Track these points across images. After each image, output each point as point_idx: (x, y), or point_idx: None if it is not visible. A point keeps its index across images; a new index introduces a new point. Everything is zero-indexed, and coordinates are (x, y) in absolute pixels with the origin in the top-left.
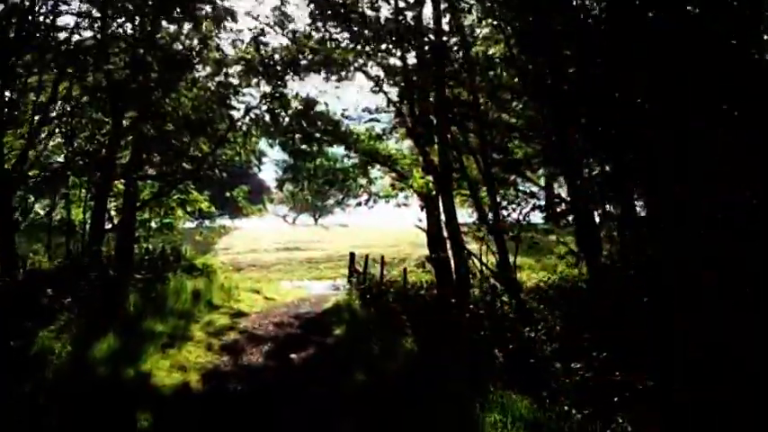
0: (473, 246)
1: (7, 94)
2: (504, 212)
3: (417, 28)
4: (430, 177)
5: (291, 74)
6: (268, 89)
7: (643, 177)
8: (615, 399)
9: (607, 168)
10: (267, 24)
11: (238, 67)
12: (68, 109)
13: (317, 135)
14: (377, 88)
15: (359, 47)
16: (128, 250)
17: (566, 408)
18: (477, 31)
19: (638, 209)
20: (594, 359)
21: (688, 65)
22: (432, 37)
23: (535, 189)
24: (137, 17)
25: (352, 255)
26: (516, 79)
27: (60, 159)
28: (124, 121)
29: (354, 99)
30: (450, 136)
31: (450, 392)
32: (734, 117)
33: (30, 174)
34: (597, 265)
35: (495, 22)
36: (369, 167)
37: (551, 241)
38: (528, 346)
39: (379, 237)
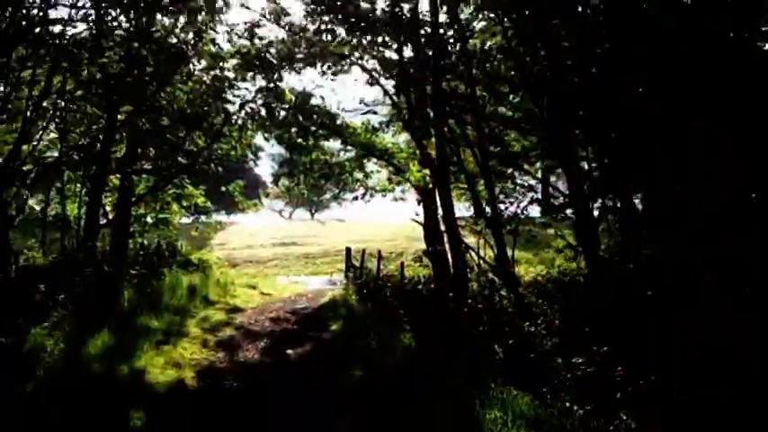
0: (471, 239)
1: (0, 88)
2: (502, 206)
3: (414, 20)
4: (427, 171)
5: (287, 67)
6: (264, 83)
7: (643, 177)
8: (618, 395)
9: (606, 161)
10: (263, 15)
11: (234, 61)
12: (62, 103)
13: (313, 129)
14: (373, 81)
15: (355, 40)
16: (123, 245)
17: (567, 404)
18: (474, 23)
19: (637, 203)
20: (596, 354)
21: (688, 63)
22: (428, 30)
23: (533, 182)
24: (131, 10)
25: (348, 249)
26: (513, 72)
27: (55, 154)
28: (119, 116)
29: (351, 92)
30: (448, 129)
31: (448, 388)
32: (734, 117)
33: (24, 169)
34: (596, 258)
35: (492, 15)
36: (365, 161)
37: (549, 235)
38: (528, 340)
39: (376, 231)
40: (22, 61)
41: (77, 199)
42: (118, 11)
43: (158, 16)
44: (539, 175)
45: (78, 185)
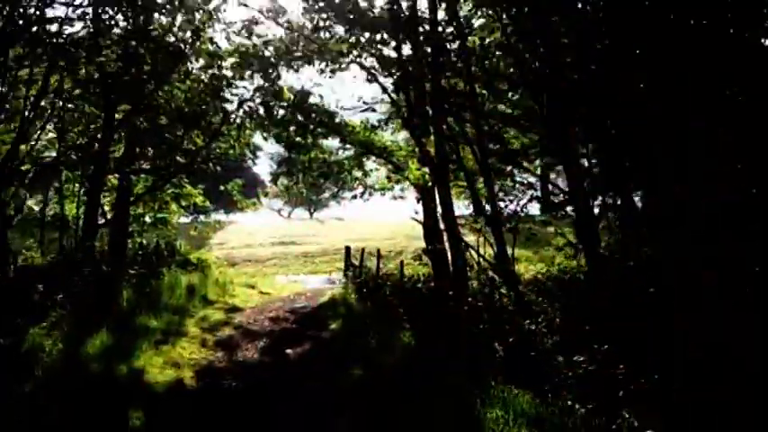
0: (470, 238)
1: None
2: (502, 204)
3: (412, 18)
4: (426, 169)
5: (285, 66)
6: (262, 82)
7: (643, 176)
8: (620, 393)
9: (606, 159)
10: (260, 12)
11: (232, 60)
12: (60, 103)
13: (312, 127)
14: (372, 79)
15: (353, 38)
16: (121, 245)
17: (569, 402)
18: (473, 20)
19: (636, 200)
20: (597, 352)
21: (688, 62)
22: (427, 27)
23: (533, 180)
24: (129, 9)
25: (347, 248)
26: (512, 69)
27: (53, 154)
28: (117, 115)
29: (349, 90)
30: (447, 126)
31: (448, 387)
32: (734, 117)
33: (22, 168)
34: (596, 256)
35: (490, 12)
36: (364, 159)
37: (549, 233)
38: (528, 338)
39: (375, 230)
40: (19, 60)
41: (76, 199)
42: (115, 9)
43: (156, 15)
44: (538, 172)
45: (77, 185)
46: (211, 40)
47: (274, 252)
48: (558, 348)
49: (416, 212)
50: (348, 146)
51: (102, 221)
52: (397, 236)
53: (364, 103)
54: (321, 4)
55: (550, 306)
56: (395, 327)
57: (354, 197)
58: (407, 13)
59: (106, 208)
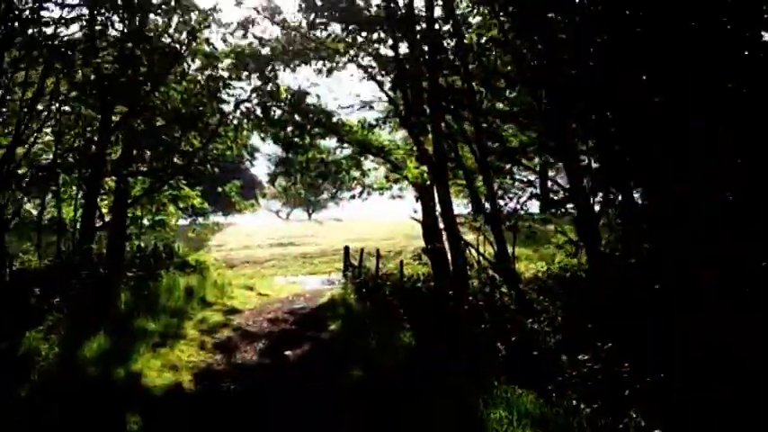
0: (470, 236)
1: None
2: (501, 202)
3: (409, 16)
4: (424, 168)
5: (282, 66)
6: (259, 82)
7: (643, 176)
8: (626, 392)
9: (605, 156)
10: (257, 10)
11: (228, 60)
12: (56, 105)
13: (309, 127)
14: (369, 78)
15: (350, 37)
16: (119, 248)
17: (573, 402)
18: (470, 18)
19: (637, 197)
20: (600, 350)
21: (687, 61)
22: (424, 25)
23: (532, 177)
24: (124, 11)
25: (346, 249)
26: (510, 67)
27: (50, 157)
28: (114, 117)
29: (347, 88)
30: (445, 124)
31: (450, 388)
32: (734, 117)
33: (19, 172)
34: (597, 253)
35: (487, 10)
36: (362, 159)
37: (549, 231)
38: (530, 338)
39: (374, 230)
40: (15, 63)
41: (73, 202)
42: (111, 11)
43: (151, 16)
44: (538, 169)
45: (74, 188)
46: (207, 40)
47: (273, 253)
48: (561, 347)
49: (415, 211)
50: (346, 145)
51: (99, 224)
52: (396, 235)
53: (362, 101)
54: (318, 3)
55: (552, 304)
56: (395, 327)
57: (353, 197)
58: (404, 11)
59: (104, 210)
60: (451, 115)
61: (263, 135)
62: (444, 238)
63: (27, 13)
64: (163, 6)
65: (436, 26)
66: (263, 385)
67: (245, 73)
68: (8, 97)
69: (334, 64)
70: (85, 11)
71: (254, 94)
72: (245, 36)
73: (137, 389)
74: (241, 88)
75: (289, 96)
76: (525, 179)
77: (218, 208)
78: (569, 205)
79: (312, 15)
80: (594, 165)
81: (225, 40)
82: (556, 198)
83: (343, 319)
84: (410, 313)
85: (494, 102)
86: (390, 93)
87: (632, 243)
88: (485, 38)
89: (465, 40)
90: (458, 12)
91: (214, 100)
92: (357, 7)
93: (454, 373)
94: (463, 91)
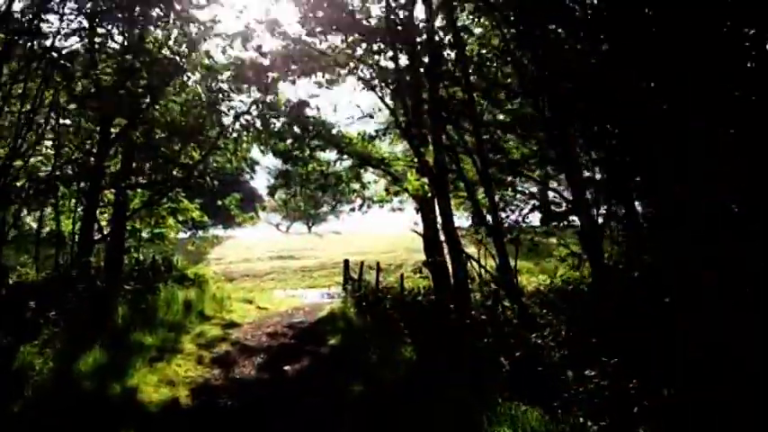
0: (471, 249)
1: None
2: (503, 214)
3: (408, 27)
4: (425, 179)
5: (282, 78)
6: (258, 95)
7: (643, 177)
8: (635, 409)
9: (607, 163)
10: (257, 21)
11: (228, 73)
12: (55, 117)
13: (309, 138)
14: (369, 89)
15: (349, 49)
16: (117, 261)
17: (580, 419)
18: (472, 27)
19: (640, 209)
20: (607, 365)
21: (688, 63)
22: (424, 36)
23: (534, 189)
24: (124, 23)
25: (346, 262)
26: (510, 80)
27: (48, 169)
28: (113, 129)
29: (346, 99)
30: (446, 136)
31: (452, 405)
32: (734, 117)
33: (17, 184)
34: (601, 266)
35: (489, 20)
36: (362, 171)
37: (550, 244)
38: (535, 352)
39: (374, 243)
40: (14, 76)
41: (72, 214)
42: (110, 24)
43: (151, 28)
44: (540, 181)
45: (73, 201)
46: (207, 53)
47: (272, 266)
48: (566, 362)
49: (416, 224)
50: (345, 157)
51: (98, 237)
52: (396, 248)
53: (362, 112)
54: (319, 14)
55: (556, 318)
56: (395, 341)
57: (353, 210)
58: (404, 22)
59: (103, 223)
60: (452, 126)
61: (262, 148)
62: (445, 250)
63: (26, 24)
64: (163, 19)
65: (437, 37)
66: (261, 401)
67: (245, 85)
68: (6, 109)
69: (335, 76)
70: (85, 23)
71: (253, 107)
72: (245, 48)
73: (132, 404)
74: (241, 101)
75: (288, 108)
76: (527, 191)
77: (217, 221)
78: (572, 217)
79: (312, 25)
80: (598, 176)
81: (225, 52)
82: (559, 210)
83: (342, 334)
84: (411, 327)
85: (495, 113)
86: (390, 104)
87: (635, 255)
88: (486, 48)
89: (466, 51)
90: (458, 23)
91: (214, 112)
92: (357, 18)
93: (457, 388)
94: (464, 102)
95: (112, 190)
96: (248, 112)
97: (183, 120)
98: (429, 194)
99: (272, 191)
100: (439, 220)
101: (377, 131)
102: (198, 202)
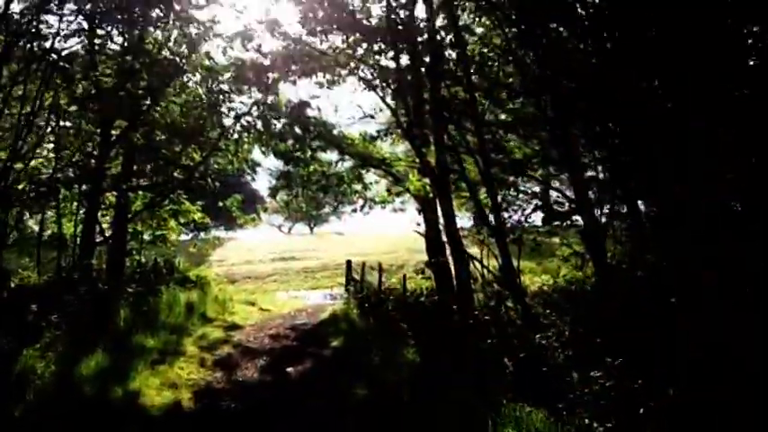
0: (474, 249)
1: None
2: (506, 214)
3: (409, 26)
4: (427, 180)
5: (282, 79)
6: (259, 95)
7: (644, 177)
8: (641, 410)
9: (610, 165)
10: (257, 21)
11: (228, 73)
12: (55, 119)
13: (310, 139)
14: (370, 89)
15: (350, 49)
16: (119, 263)
17: (585, 421)
18: (473, 26)
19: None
20: (612, 366)
21: (688, 62)
22: (425, 35)
23: (537, 189)
24: (124, 24)
25: (348, 263)
26: (511, 79)
27: (49, 171)
28: (113, 131)
29: (348, 99)
30: (447, 136)
31: (457, 406)
32: (734, 117)
33: (18, 187)
34: (604, 265)
35: (490, 20)
36: (363, 172)
37: (553, 244)
38: (539, 353)
39: (376, 243)
40: (13, 78)
41: (74, 217)
42: (110, 25)
43: (151, 29)
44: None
45: (74, 203)
46: (207, 54)
47: (274, 268)
48: (571, 363)
49: (418, 224)
50: (347, 158)
51: (99, 239)
52: (398, 249)
53: (363, 113)
54: (319, 14)
55: (559, 319)
56: (398, 343)
57: (354, 211)
58: (405, 21)
59: (104, 226)
60: (454, 126)
61: (263, 149)
62: (448, 251)
63: (25, 25)
64: (162, 19)
65: (438, 36)
66: (264, 403)
67: (246, 86)
68: (6, 111)
69: (335, 77)
70: (85, 24)
71: (254, 107)
72: (245, 48)
73: (134, 408)
74: (241, 102)
75: (289, 109)
76: (530, 191)
77: (219, 223)
78: (575, 217)
79: (313, 25)
80: (600, 176)
81: (225, 53)
82: (561, 210)
83: (345, 335)
84: (414, 328)
85: (497, 113)
86: (392, 104)
87: (639, 255)
88: (487, 48)
89: (467, 51)
90: (460, 22)
91: (214, 113)
92: (357, 18)
93: (461, 390)
94: (466, 102)
95: (114, 192)
96: (249, 113)
97: (184, 121)
98: (431, 195)
99: (273, 192)
100: (441, 220)
101: (378, 132)
102: (199, 203)
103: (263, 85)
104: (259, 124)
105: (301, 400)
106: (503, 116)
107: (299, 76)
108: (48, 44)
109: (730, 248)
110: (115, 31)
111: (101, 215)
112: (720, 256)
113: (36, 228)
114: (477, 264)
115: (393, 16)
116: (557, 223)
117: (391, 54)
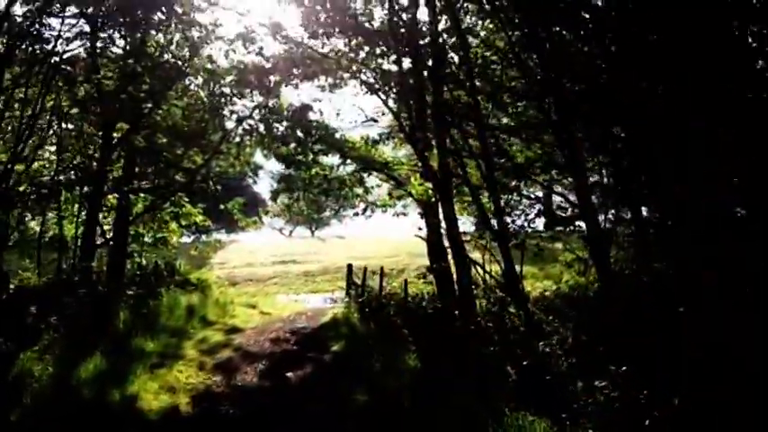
0: (476, 254)
1: None
2: (508, 219)
3: (412, 29)
4: (429, 184)
5: (285, 82)
6: (261, 99)
7: (645, 178)
8: (646, 422)
9: (614, 169)
10: (259, 24)
11: (230, 77)
12: (57, 122)
13: (311, 143)
14: (372, 93)
15: (352, 53)
16: (120, 266)
17: (589, 431)
18: (477, 29)
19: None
20: (616, 375)
21: (688, 63)
22: (428, 39)
23: (539, 194)
24: (126, 27)
25: (349, 267)
26: (514, 82)
27: (51, 174)
28: (115, 134)
29: (350, 102)
30: (450, 140)
31: (459, 415)
32: (734, 117)
33: (19, 189)
34: (607, 271)
35: (494, 23)
36: (365, 175)
37: (555, 249)
38: (542, 361)
39: (377, 247)
40: (15, 80)
41: (75, 219)
42: (112, 29)
43: (153, 32)
44: (546, 185)
45: (76, 205)
46: (210, 57)
47: (275, 271)
48: (574, 371)
49: (420, 229)
50: (348, 162)
51: (100, 241)
52: (399, 253)
53: (365, 116)
54: (321, 17)
55: (562, 325)
56: (399, 348)
57: (356, 214)
58: (407, 24)
59: (105, 228)
60: (457, 130)
61: (265, 152)
62: (449, 256)
63: (27, 28)
64: (164, 23)
65: (440, 40)
66: (263, 408)
67: (248, 89)
68: (8, 114)
69: (337, 80)
70: (87, 27)
71: (256, 111)
72: (247, 51)
73: (132, 412)
74: (243, 105)
75: (291, 112)
76: (533, 195)
77: (220, 225)
78: (578, 222)
79: (315, 28)
80: (604, 181)
81: (227, 56)
82: (564, 215)
83: (346, 340)
84: (415, 334)
85: (500, 116)
86: (394, 107)
87: (642, 260)
88: (490, 51)
89: (470, 54)
90: (462, 25)
91: (216, 116)
92: (360, 21)
93: (462, 397)
94: (469, 105)
95: (115, 194)
96: (251, 117)
97: (186, 124)
98: (433, 199)
99: (274, 195)
100: (443, 224)
101: (380, 135)
102: (201, 206)
103: (265, 88)
104: (261, 127)
105: (301, 406)
106: (506, 120)
107: (300, 79)
108: (50, 47)
109: (730, 248)
110: (117, 35)
111: (102, 217)
112: (720, 256)
113: (37, 229)
114: (480, 269)
115: (395, 19)
116: (560, 228)
117: (393, 57)
